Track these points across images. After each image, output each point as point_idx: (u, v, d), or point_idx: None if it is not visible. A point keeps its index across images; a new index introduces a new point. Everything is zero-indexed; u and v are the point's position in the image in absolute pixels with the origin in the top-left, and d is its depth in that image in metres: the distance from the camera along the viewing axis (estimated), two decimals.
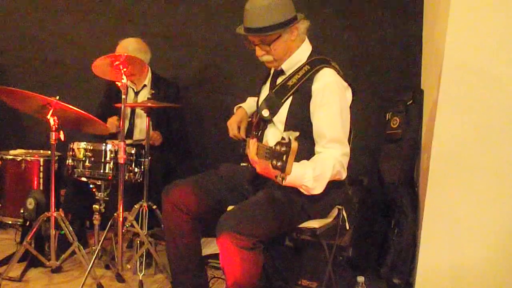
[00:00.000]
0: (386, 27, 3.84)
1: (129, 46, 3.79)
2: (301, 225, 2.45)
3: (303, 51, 2.55)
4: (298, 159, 2.07)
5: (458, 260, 2.72)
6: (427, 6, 3.56)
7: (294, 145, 1.83)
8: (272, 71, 2.71)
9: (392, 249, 3.16)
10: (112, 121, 3.70)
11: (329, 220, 2.58)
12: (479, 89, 2.61)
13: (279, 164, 1.85)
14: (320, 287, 2.91)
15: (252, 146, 2.14)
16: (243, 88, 3.31)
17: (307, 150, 2.41)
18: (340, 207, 2.66)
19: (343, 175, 2.41)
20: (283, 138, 1.86)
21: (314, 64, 2.48)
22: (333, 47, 3.90)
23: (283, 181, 1.91)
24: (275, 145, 1.88)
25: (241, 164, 2.72)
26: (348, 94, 2.51)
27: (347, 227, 2.68)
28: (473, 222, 2.68)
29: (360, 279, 2.47)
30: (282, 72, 2.59)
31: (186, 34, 4.44)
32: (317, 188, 2.26)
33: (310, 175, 2.20)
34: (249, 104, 2.89)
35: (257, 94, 2.82)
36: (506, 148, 2.61)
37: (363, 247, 3.38)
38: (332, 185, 2.41)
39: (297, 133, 1.86)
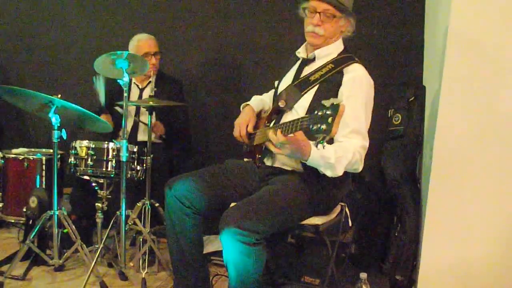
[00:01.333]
0: (387, 24, 3.84)
1: (154, 39, 3.87)
2: (303, 222, 2.45)
3: (337, 46, 2.64)
4: None
5: (461, 256, 2.72)
6: (428, 2, 3.56)
7: (343, 106, 1.87)
8: (299, 61, 2.74)
9: (395, 246, 3.16)
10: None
11: (332, 216, 2.58)
12: (481, 85, 2.61)
13: (323, 127, 1.86)
14: (323, 284, 2.91)
15: (273, 131, 2.18)
16: (248, 85, 3.31)
17: None
18: (343, 203, 2.66)
19: (360, 167, 2.44)
20: (322, 105, 1.88)
21: (339, 62, 2.56)
22: None
23: (323, 144, 1.92)
24: (315, 111, 1.91)
25: (245, 159, 2.73)
26: (372, 92, 2.57)
27: (350, 224, 2.68)
28: (476, 218, 2.67)
29: (363, 275, 2.47)
30: (311, 60, 2.65)
31: (191, 31, 4.44)
32: (338, 168, 2.30)
33: (332, 155, 2.26)
34: (256, 103, 2.88)
35: (277, 81, 2.85)
36: (508, 144, 2.60)
37: (366, 243, 3.38)
38: (335, 181, 2.42)
39: (342, 99, 1.88)
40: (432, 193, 2.75)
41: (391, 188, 3.25)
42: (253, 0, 4.11)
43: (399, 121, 3.25)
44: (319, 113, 1.88)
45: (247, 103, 2.88)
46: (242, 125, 2.75)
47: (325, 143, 1.91)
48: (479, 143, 2.64)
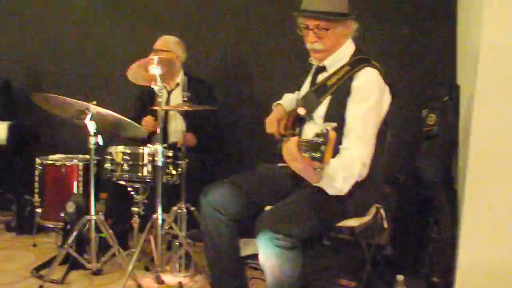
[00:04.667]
0: (420, 23, 3.80)
1: (170, 39, 3.92)
2: (339, 224, 2.44)
3: (347, 49, 2.55)
4: (333, 154, 2.09)
5: (499, 258, 2.67)
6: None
7: (332, 134, 1.83)
8: (313, 68, 2.70)
9: (431, 248, 3.13)
10: (148, 120, 3.75)
11: (367, 218, 2.56)
12: None
13: (317, 155, 1.85)
14: (359, 287, 2.90)
15: (292, 142, 2.09)
16: (278, 87, 3.28)
17: None
18: (378, 205, 2.64)
19: (364, 175, 2.37)
20: (321, 130, 1.87)
21: (355, 64, 2.48)
22: (367, 44, 3.87)
23: (321, 173, 1.93)
24: (313, 137, 1.88)
25: (278, 165, 2.72)
26: (386, 96, 2.50)
27: (385, 226, 2.66)
28: None
29: (400, 278, 2.46)
30: (323, 69, 2.59)
31: (219, 34, 4.47)
32: (345, 189, 2.26)
33: (340, 176, 2.20)
34: (287, 101, 2.88)
35: (297, 89, 2.82)
36: None
37: (402, 245, 3.35)
38: (369, 183, 2.40)
39: (335, 124, 1.87)
40: (469, 194, 2.72)
41: (426, 190, 3.22)
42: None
43: (433, 121, 3.21)
44: (315, 139, 1.87)
45: (278, 102, 2.88)
46: (273, 121, 2.74)
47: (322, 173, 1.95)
48: None
